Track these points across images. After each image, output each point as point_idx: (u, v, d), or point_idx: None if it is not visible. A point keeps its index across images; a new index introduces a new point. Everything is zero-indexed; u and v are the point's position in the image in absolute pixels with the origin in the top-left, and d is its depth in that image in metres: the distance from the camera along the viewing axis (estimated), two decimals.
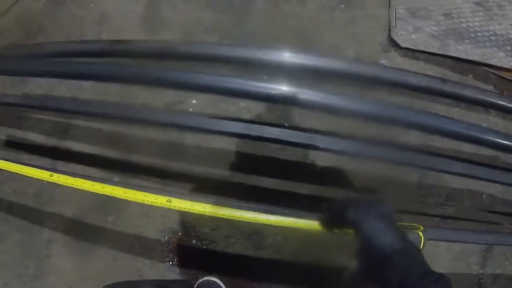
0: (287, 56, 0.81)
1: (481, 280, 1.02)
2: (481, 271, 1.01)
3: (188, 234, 0.94)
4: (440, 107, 1.03)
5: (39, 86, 1.13)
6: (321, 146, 0.77)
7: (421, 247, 0.55)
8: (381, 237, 0.46)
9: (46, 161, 1.06)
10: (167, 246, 0.95)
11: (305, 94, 0.74)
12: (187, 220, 0.95)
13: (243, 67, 0.94)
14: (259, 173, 0.95)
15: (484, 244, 0.98)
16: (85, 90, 1.08)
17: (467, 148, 1.03)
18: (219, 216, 0.66)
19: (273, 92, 0.73)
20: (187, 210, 0.65)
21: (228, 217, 0.67)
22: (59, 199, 1.03)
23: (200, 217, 0.94)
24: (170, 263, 0.94)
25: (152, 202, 0.66)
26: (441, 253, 0.99)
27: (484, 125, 1.10)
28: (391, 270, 0.43)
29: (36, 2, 1.19)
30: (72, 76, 0.91)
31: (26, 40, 1.16)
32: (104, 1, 1.18)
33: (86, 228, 0.99)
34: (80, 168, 1.03)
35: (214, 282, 0.89)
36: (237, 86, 0.74)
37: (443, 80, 0.81)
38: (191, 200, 0.67)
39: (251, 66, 0.82)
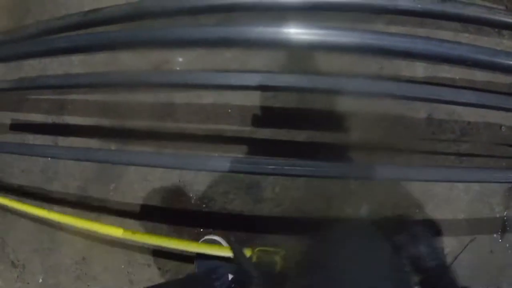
0: None
1: (506, 223, 0.93)
2: (505, 213, 0.92)
3: (186, 194, 0.93)
4: (446, 34, 0.93)
5: (33, 68, 1.15)
6: (334, 88, 0.71)
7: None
8: None
9: (48, 138, 1.10)
10: (167, 208, 0.94)
11: (298, 33, 0.68)
12: (184, 180, 0.94)
13: (224, 15, 0.89)
14: (253, 124, 0.91)
15: (506, 182, 0.89)
16: (76, 64, 1.09)
17: (481, 76, 0.93)
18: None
19: (267, 36, 0.68)
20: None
21: None
22: (63, 173, 1.06)
23: (196, 175, 0.94)
24: (172, 225, 0.95)
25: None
26: (458, 195, 0.91)
27: (498, 49, 0.99)
28: None
29: None
30: (58, 52, 0.91)
31: (18, 24, 1.18)
32: None
33: (91, 198, 1.02)
34: (79, 140, 1.05)
35: (215, 241, 0.88)
36: (228, 35, 0.70)
37: (442, 0, 0.71)
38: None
39: (235, 12, 0.77)
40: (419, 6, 0.69)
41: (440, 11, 0.72)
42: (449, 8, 0.71)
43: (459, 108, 0.92)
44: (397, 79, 0.90)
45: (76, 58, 1.08)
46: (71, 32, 0.89)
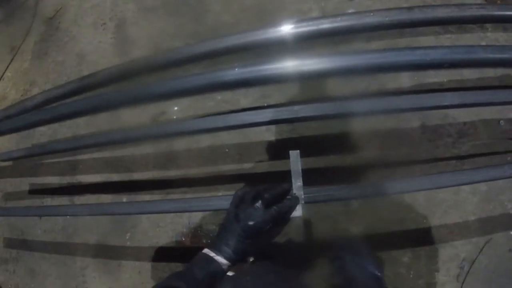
0: (251, 37, 0.78)
1: None
2: None
3: (196, 234, 0.96)
4: (427, 39, 0.94)
5: (44, 134, 1.24)
6: (331, 113, 0.71)
7: None
8: None
9: (65, 198, 1.16)
10: (181, 250, 0.98)
11: (281, 68, 0.69)
12: (193, 221, 0.97)
13: (212, 61, 0.95)
14: (251, 159, 0.94)
15: None
16: (82, 126, 1.17)
17: (470, 74, 0.93)
18: None
19: (262, 73, 0.68)
20: None
21: None
22: (82, 229, 1.12)
23: (204, 217, 0.97)
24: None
25: None
26: (466, 198, 0.89)
27: (483, 43, 0.98)
28: None
29: (23, 62, 1.31)
30: (62, 118, 0.98)
31: (24, 96, 1.28)
32: (78, 41, 1.26)
33: (110, 249, 1.06)
34: (93, 197, 1.11)
35: None
36: (219, 79, 0.73)
37: (408, 8, 0.72)
38: None
39: (223, 57, 0.82)
40: (387, 19, 0.69)
41: (409, 19, 0.71)
42: (418, 15, 0.69)
43: (452, 111, 0.91)
44: (384, 93, 0.92)
45: (80, 120, 1.15)
46: (73, 98, 0.96)
